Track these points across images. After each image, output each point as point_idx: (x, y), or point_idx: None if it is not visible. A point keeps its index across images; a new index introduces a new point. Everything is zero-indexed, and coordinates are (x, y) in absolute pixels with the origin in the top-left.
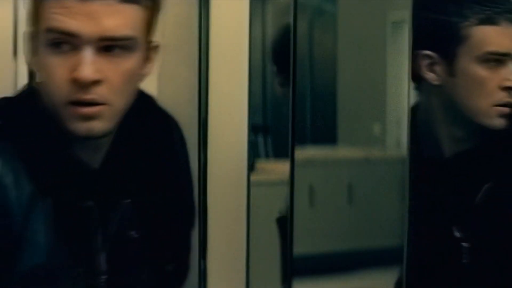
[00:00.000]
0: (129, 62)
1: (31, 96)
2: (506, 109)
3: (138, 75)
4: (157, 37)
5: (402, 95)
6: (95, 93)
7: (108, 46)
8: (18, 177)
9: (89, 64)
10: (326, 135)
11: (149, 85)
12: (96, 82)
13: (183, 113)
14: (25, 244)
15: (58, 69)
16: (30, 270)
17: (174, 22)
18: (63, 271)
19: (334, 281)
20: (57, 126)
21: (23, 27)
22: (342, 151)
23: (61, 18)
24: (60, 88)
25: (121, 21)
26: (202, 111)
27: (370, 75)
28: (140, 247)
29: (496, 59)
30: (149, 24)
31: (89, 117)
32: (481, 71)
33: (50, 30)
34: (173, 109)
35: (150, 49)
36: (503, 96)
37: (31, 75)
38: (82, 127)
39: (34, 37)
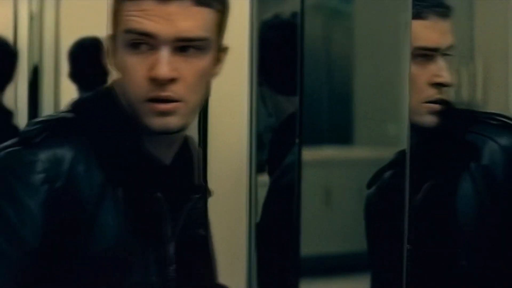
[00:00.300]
0: (202, 61)
1: (107, 94)
2: (436, 106)
3: (209, 74)
4: None
5: None
6: (171, 91)
7: (183, 46)
8: (90, 167)
9: (166, 63)
10: (343, 135)
11: None
12: (172, 80)
13: None
14: (95, 229)
15: (137, 68)
16: (100, 253)
17: None
18: (134, 257)
19: (350, 282)
20: (131, 122)
21: (23, 27)
22: (358, 152)
23: (139, 20)
24: (139, 86)
25: (196, 23)
26: (202, 111)
27: (386, 75)
28: (206, 244)
29: (425, 54)
30: (220, 27)
31: (165, 113)
32: (411, 67)
33: (129, 31)
34: None
35: (220, 51)
36: (433, 93)
37: (32, 74)
38: (158, 122)
39: (112, 39)
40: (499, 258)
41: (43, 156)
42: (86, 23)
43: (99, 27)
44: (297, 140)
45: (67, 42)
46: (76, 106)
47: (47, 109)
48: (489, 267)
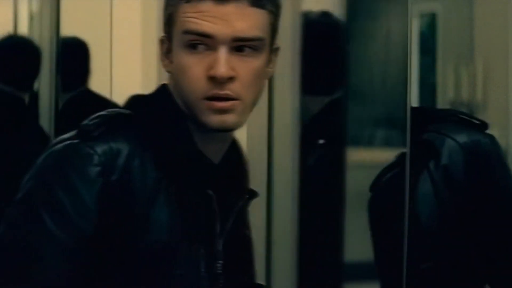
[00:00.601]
0: (257, 61)
1: (162, 92)
2: None
3: (264, 73)
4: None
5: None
6: (229, 89)
7: (240, 46)
8: (145, 162)
9: (224, 62)
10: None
11: (151, 85)
12: (230, 79)
13: None
14: (148, 222)
15: (195, 67)
16: (151, 245)
17: None
18: (184, 251)
19: None
20: (185, 120)
21: (23, 27)
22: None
23: (197, 21)
24: (197, 85)
25: (251, 24)
26: None
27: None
28: (251, 244)
29: None
30: (273, 28)
31: (223, 111)
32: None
33: (187, 32)
34: None
35: (272, 51)
36: None
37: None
38: (216, 119)
39: (166, 40)
40: (462, 259)
41: (100, 149)
42: (86, 23)
43: (99, 27)
44: (321, 141)
45: None
46: (133, 103)
47: (46, 109)
48: (453, 267)
